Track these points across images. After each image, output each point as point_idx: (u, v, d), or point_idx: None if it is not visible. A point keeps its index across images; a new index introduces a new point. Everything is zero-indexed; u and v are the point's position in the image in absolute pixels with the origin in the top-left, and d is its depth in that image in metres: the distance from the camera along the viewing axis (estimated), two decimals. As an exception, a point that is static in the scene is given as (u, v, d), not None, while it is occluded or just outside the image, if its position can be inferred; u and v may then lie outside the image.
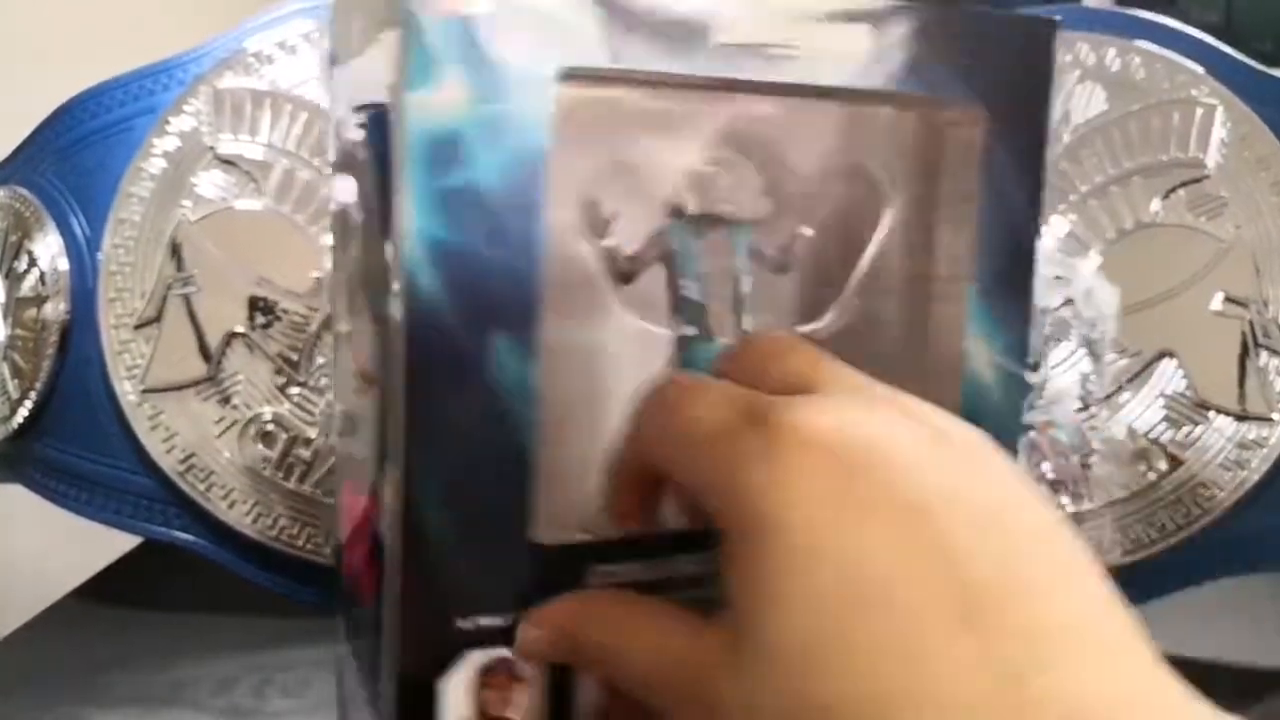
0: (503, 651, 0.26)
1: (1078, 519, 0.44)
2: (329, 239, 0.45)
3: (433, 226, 0.24)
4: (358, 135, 0.27)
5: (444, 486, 0.25)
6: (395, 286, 0.24)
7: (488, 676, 0.26)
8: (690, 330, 0.32)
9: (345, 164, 0.29)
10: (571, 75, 0.25)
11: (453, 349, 0.24)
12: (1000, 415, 0.30)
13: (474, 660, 0.26)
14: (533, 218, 0.25)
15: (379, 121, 0.25)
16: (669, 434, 0.24)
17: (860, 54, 0.28)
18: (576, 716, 0.28)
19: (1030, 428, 0.44)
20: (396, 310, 0.24)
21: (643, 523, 0.27)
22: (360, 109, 0.27)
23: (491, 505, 0.25)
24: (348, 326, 0.30)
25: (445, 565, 0.25)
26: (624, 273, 0.31)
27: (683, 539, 0.28)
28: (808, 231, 0.33)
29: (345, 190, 0.29)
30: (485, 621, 0.26)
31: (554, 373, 0.27)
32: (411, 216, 0.23)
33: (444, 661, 0.26)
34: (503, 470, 0.25)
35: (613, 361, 0.31)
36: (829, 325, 0.34)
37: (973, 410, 0.29)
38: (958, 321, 0.30)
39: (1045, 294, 0.44)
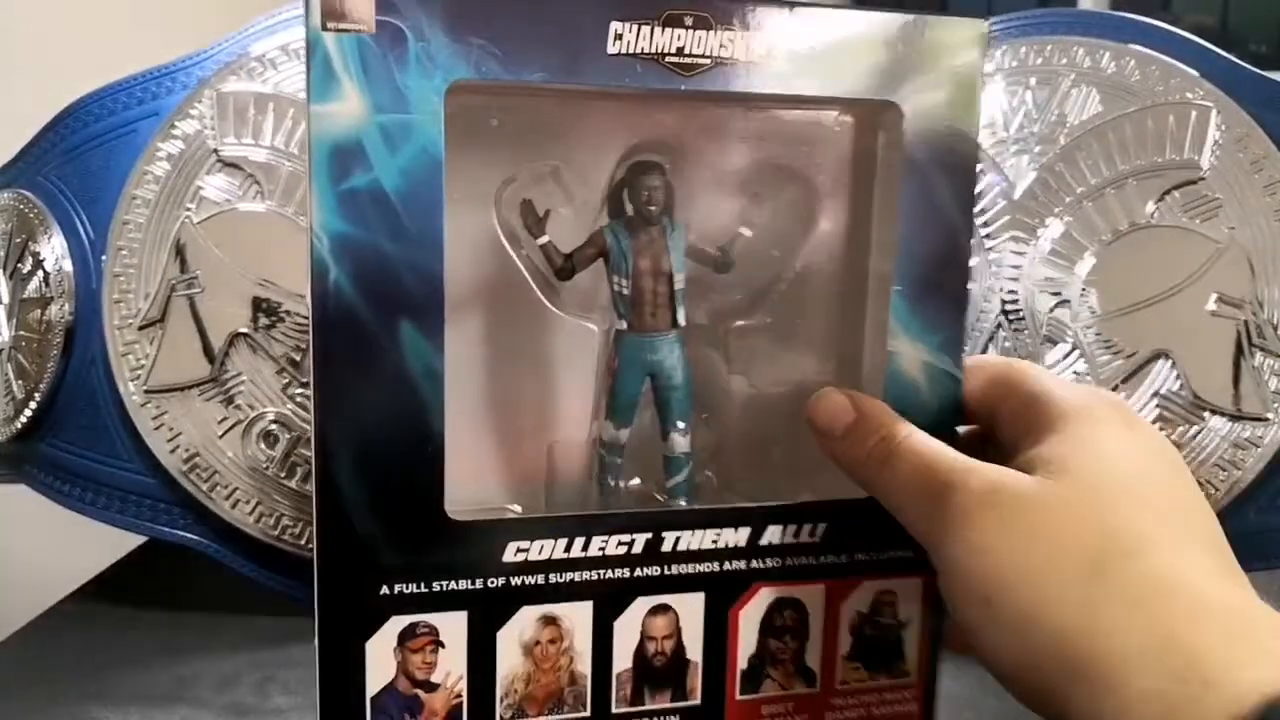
0: (424, 617, 0.28)
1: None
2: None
3: (337, 223, 0.26)
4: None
5: (355, 462, 0.27)
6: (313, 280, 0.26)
7: (411, 641, 0.28)
8: (623, 324, 0.33)
9: None
10: (460, 88, 0.27)
11: (359, 335, 0.27)
12: (930, 411, 0.31)
13: (396, 625, 0.28)
14: (434, 215, 0.27)
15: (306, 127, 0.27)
16: None
17: (796, 59, 0.29)
18: (499, 684, 0.29)
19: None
20: (310, 303, 0.26)
21: None
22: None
23: (403, 481, 0.28)
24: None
25: (360, 534, 0.27)
26: (562, 270, 0.33)
27: (597, 520, 0.30)
28: (747, 232, 0.34)
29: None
30: (405, 589, 0.28)
31: (478, 362, 0.30)
32: (318, 213, 0.26)
33: (367, 626, 0.28)
34: (413, 450, 0.28)
35: (543, 353, 0.34)
36: (762, 320, 0.36)
37: (900, 406, 0.31)
38: (883, 322, 0.32)
39: (1039, 296, 0.45)
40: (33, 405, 0.47)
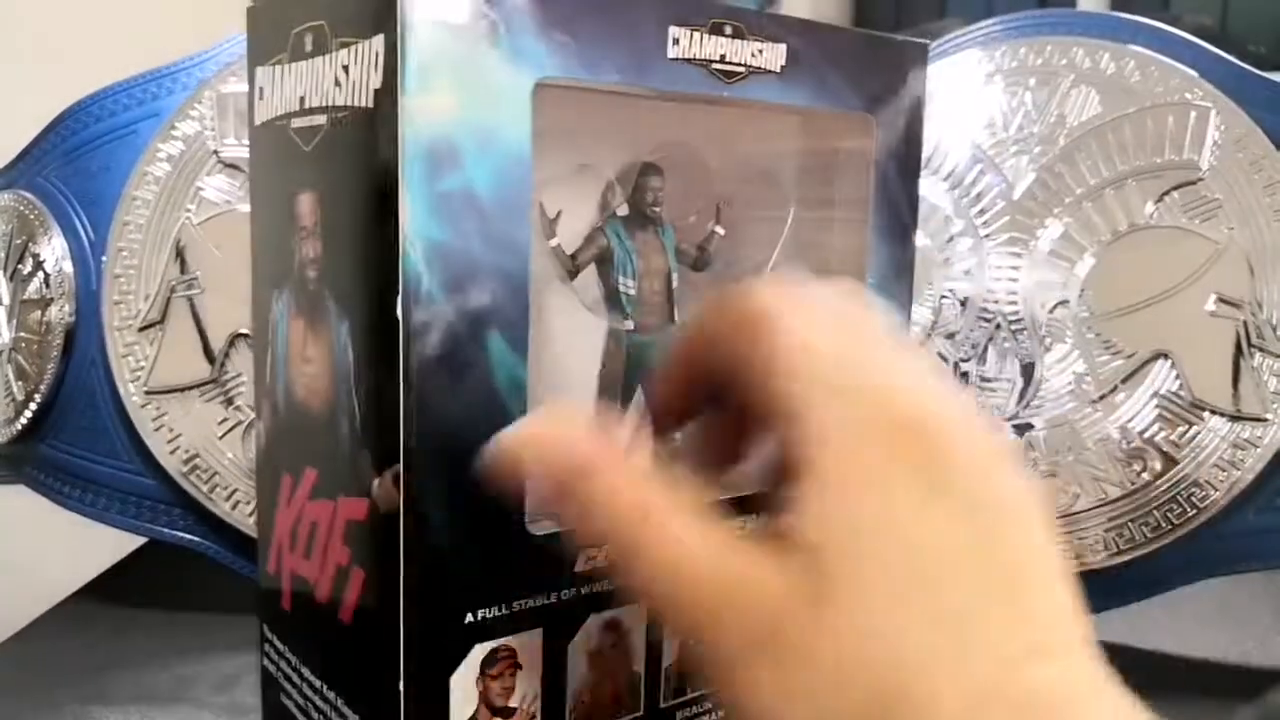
0: (505, 641, 0.27)
1: (1069, 520, 0.44)
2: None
3: (431, 228, 0.24)
4: (308, 136, 0.28)
5: (445, 485, 0.25)
6: (399, 288, 0.24)
7: (490, 667, 0.27)
8: (627, 325, 0.34)
9: (272, 161, 0.29)
10: (544, 85, 0.25)
11: (452, 348, 0.25)
12: None
13: (480, 652, 0.26)
14: (520, 220, 0.25)
15: (360, 124, 0.25)
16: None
17: (776, 71, 0.30)
18: (569, 699, 0.28)
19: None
20: (399, 310, 0.24)
21: (676, 425, 0.27)
22: (316, 111, 0.27)
23: (489, 500, 0.25)
24: (291, 327, 0.30)
25: (450, 563, 0.25)
26: (568, 271, 0.33)
27: None
28: (720, 230, 0.35)
29: (273, 187, 0.30)
30: (489, 614, 0.26)
31: (532, 368, 0.27)
32: (411, 218, 0.24)
33: (455, 657, 0.26)
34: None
35: (571, 355, 0.33)
36: None
37: None
38: None
39: (1038, 297, 0.45)
40: (33, 406, 0.47)
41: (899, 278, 0.33)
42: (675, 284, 0.34)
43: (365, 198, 0.25)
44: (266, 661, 0.32)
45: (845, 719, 0.19)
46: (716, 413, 0.26)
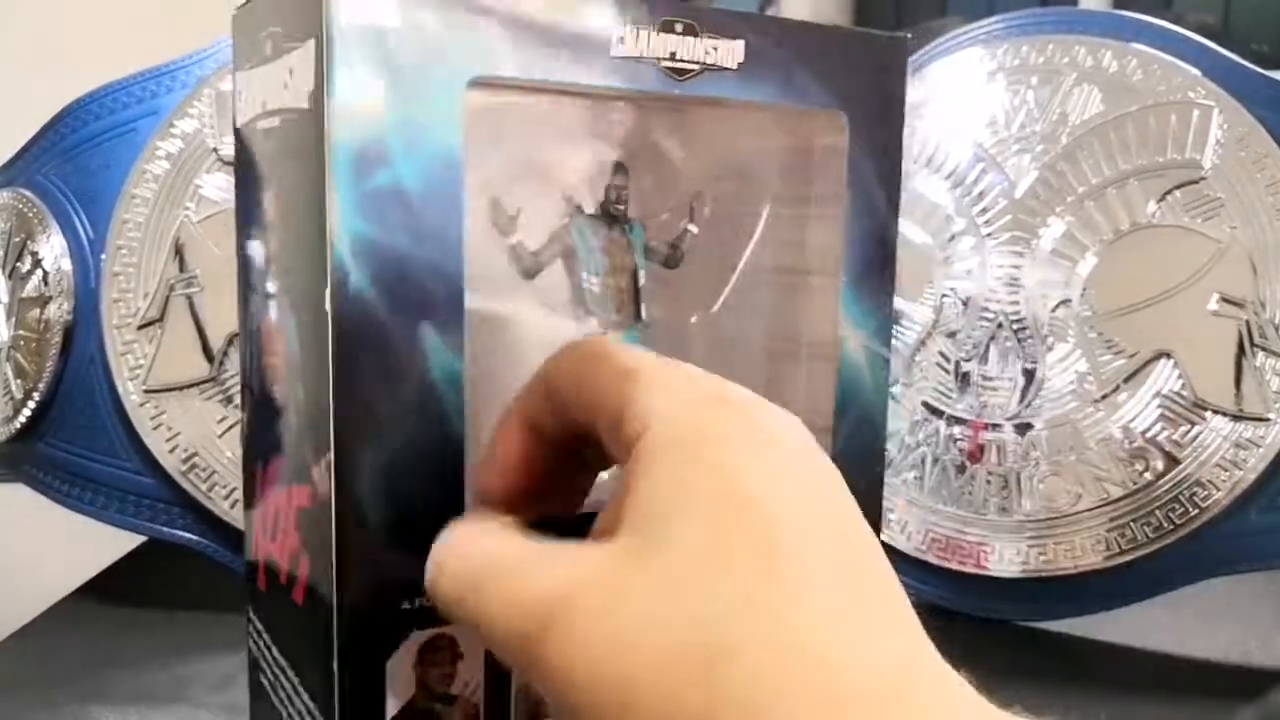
0: (444, 630, 0.27)
1: (1071, 519, 0.44)
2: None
3: (358, 224, 0.25)
4: (268, 137, 0.29)
5: (379, 473, 0.26)
6: (327, 281, 0.25)
7: (430, 654, 0.27)
8: (590, 321, 0.34)
9: (248, 161, 0.31)
10: (480, 83, 0.26)
11: (381, 341, 0.25)
12: (871, 392, 0.33)
13: (417, 639, 0.27)
14: (453, 216, 0.26)
15: (300, 125, 0.26)
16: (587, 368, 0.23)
17: (733, 68, 0.30)
18: (513, 687, 0.29)
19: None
20: (328, 304, 0.25)
21: (521, 476, 0.26)
22: (273, 113, 0.28)
23: (427, 490, 0.26)
24: (266, 316, 0.31)
25: (385, 550, 0.26)
26: (528, 269, 0.33)
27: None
28: (694, 229, 0.35)
29: (250, 186, 0.31)
30: (426, 601, 0.26)
31: (475, 364, 0.28)
32: (339, 215, 0.25)
33: (391, 643, 0.26)
34: (436, 456, 0.26)
35: (525, 352, 0.33)
36: (716, 313, 0.36)
37: (851, 390, 0.32)
38: (832, 311, 0.33)
39: (1040, 296, 0.45)
40: (31, 404, 0.47)
41: (879, 274, 0.33)
42: (642, 281, 0.34)
43: (305, 196, 0.26)
44: (250, 643, 0.33)
45: (658, 670, 0.18)
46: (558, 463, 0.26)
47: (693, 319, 0.36)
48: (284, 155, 0.27)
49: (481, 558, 0.22)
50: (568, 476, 0.26)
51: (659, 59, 0.29)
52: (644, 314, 0.34)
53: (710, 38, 0.29)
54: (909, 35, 0.33)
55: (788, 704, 0.17)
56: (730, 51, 0.30)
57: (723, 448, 0.20)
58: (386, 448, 0.26)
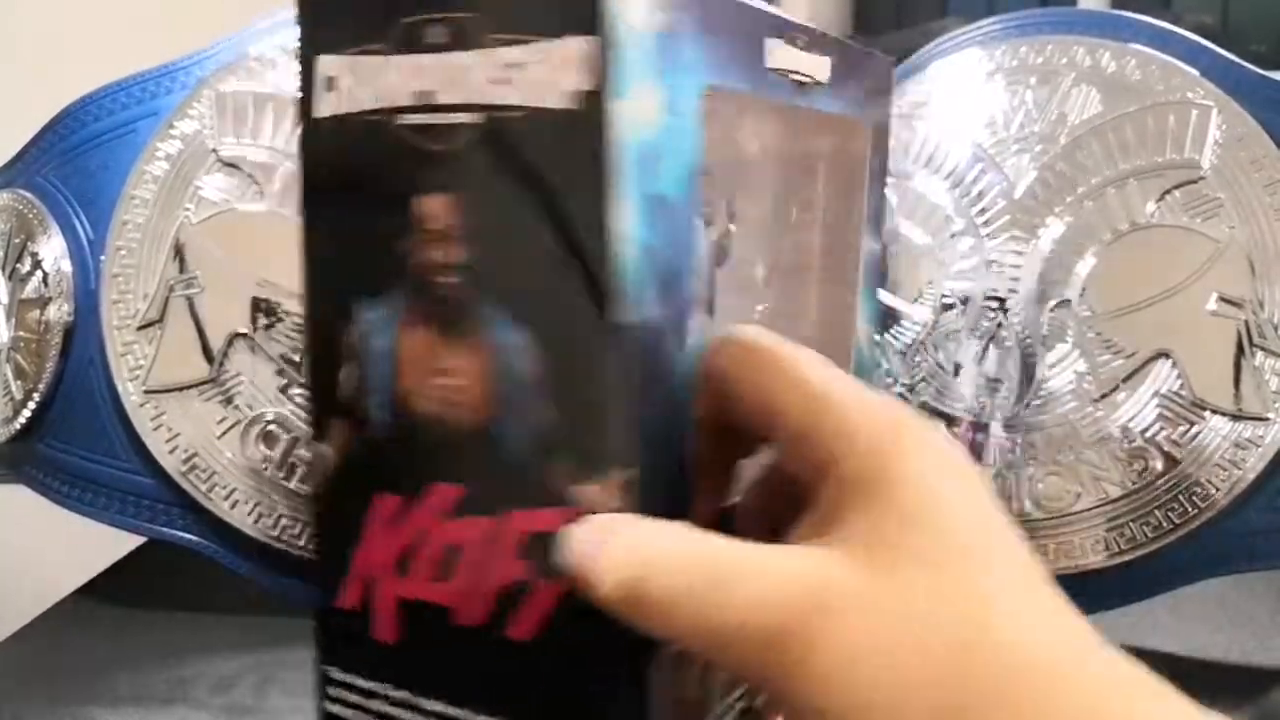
0: None
1: (1070, 519, 0.44)
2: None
3: (642, 231, 0.24)
4: (437, 135, 0.26)
5: (665, 490, 0.25)
6: (610, 291, 0.24)
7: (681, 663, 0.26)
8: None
9: (366, 161, 0.28)
10: (711, 93, 0.26)
11: (662, 352, 0.25)
12: (870, 369, 0.36)
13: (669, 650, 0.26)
14: (695, 224, 0.26)
15: (547, 126, 0.25)
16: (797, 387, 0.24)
17: (825, 82, 0.31)
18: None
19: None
20: (621, 315, 0.24)
21: (728, 495, 0.27)
22: (456, 109, 0.26)
23: (677, 497, 0.26)
24: (404, 336, 0.28)
25: None
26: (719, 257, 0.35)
27: None
28: (733, 227, 0.35)
29: (360, 186, 0.28)
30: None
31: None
32: (628, 223, 0.24)
33: (654, 651, 0.26)
34: (679, 467, 0.26)
35: None
36: (774, 307, 0.37)
37: (861, 375, 0.34)
38: (854, 306, 0.35)
39: (1039, 296, 0.45)
40: (31, 405, 0.47)
41: (877, 270, 0.36)
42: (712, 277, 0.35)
43: (558, 200, 0.25)
44: (334, 706, 0.29)
45: (920, 670, 0.20)
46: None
47: (758, 309, 0.37)
48: (493, 155, 0.26)
49: (700, 558, 0.22)
50: (721, 469, 0.27)
51: (790, 71, 0.29)
52: (714, 308, 0.35)
53: (815, 53, 0.30)
54: (893, 59, 0.35)
55: (1032, 695, 0.20)
56: (823, 66, 0.31)
57: (919, 469, 0.22)
58: (663, 459, 0.25)
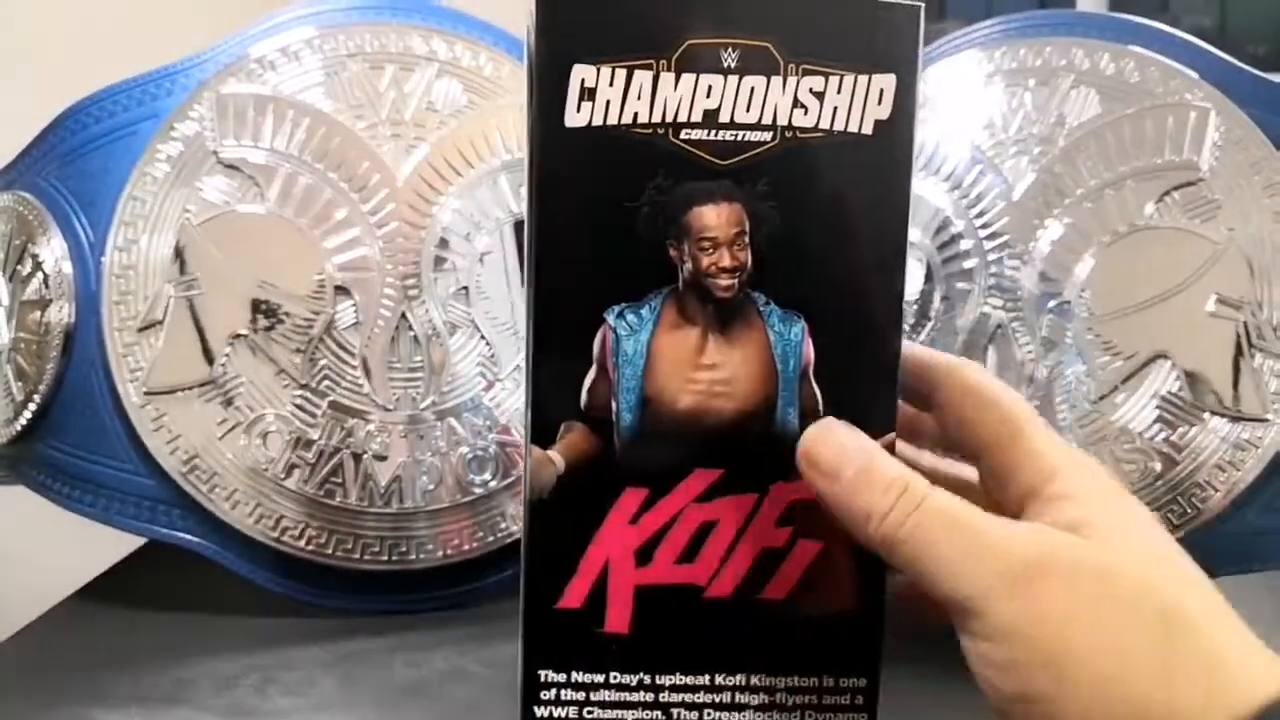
0: None
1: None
2: (332, 241, 0.46)
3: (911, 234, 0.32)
4: (724, 150, 0.29)
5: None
6: (900, 291, 0.30)
7: None
8: None
9: (631, 172, 0.29)
10: None
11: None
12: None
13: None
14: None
15: (844, 148, 0.29)
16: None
17: None
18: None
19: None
20: (898, 311, 0.30)
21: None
22: (747, 127, 0.29)
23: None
24: (664, 337, 0.30)
25: None
26: None
27: None
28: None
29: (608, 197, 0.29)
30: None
31: None
32: (909, 233, 0.30)
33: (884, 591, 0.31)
34: None
35: None
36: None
37: None
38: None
39: (1038, 298, 0.45)
40: (32, 407, 0.47)
41: None
42: None
43: (860, 211, 0.29)
44: (544, 709, 0.31)
45: (1139, 634, 0.25)
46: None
47: None
48: (791, 172, 0.29)
49: (961, 507, 0.27)
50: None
51: None
52: None
53: None
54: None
55: (1215, 684, 0.25)
56: None
57: (1102, 499, 0.28)
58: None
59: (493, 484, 0.47)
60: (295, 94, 0.47)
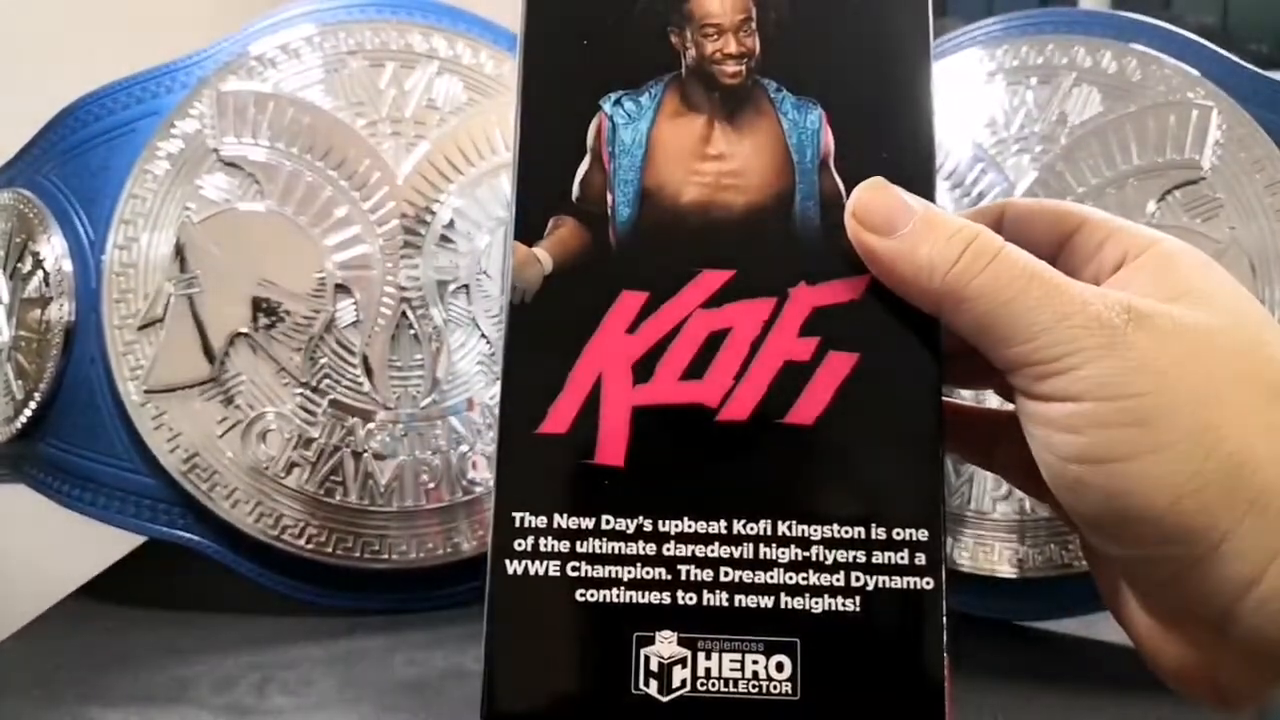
0: None
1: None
2: (332, 239, 0.46)
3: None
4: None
5: None
6: (929, 57, 0.27)
7: None
8: None
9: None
10: None
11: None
12: None
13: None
14: None
15: None
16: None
17: None
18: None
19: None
20: (928, 84, 0.28)
21: None
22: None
23: None
24: (666, 125, 0.27)
25: None
26: None
27: None
28: None
29: None
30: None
31: None
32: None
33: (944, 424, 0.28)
34: None
35: None
36: None
37: None
38: None
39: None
40: (32, 405, 0.47)
41: None
42: None
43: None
44: (518, 563, 0.25)
45: (1244, 388, 0.23)
46: None
47: None
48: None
49: (1041, 263, 0.25)
50: None
51: None
52: None
53: None
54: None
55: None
56: None
57: (1212, 266, 0.27)
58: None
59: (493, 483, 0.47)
60: (295, 91, 0.47)
